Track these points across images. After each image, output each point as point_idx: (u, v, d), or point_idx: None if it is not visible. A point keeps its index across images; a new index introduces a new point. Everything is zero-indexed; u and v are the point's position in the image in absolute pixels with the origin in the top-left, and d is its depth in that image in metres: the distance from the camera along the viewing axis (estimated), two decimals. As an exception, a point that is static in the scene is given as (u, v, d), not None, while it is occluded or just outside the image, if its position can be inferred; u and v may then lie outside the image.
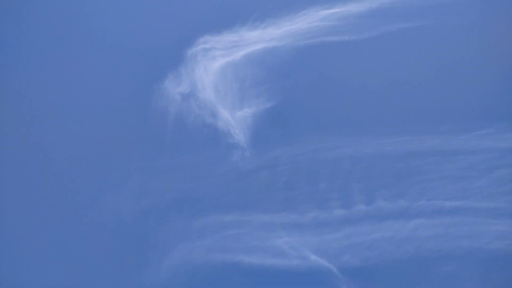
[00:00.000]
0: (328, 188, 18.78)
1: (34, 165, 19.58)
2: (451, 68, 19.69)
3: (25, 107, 20.17)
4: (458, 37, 19.86)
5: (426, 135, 18.47)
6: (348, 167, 18.86)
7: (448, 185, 18.06)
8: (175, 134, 19.86)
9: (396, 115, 19.15)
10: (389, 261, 18.65)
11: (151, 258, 19.54)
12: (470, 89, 19.56)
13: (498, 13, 19.50)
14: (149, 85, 19.00)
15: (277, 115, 19.49)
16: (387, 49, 19.59)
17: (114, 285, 19.14)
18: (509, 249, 17.38)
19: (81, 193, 19.00)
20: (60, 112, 19.68)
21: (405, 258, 18.56)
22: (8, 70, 20.53)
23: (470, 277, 18.08)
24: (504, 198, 17.71)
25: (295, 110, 19.62)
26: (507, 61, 19.16)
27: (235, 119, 19.37)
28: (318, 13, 20.48)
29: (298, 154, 18.68)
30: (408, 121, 18.86)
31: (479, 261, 17.83)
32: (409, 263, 18.58)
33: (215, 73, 19.82)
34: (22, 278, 18.54)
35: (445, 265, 18.30)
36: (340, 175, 18.96)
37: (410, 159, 18.52)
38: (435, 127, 18.55)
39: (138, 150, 19.61)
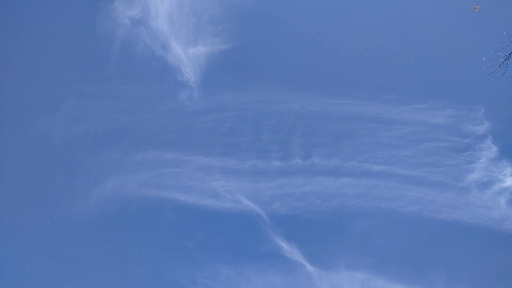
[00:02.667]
0: (270, 139, 15.90)
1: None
2: (403, 43, 17.27)
3: None
4: (415, 15, 17.28)
5: (368, 102, 16.32)
6: (292, 122, 16.15)
7: (378, 150, 16.32)
8: (120, 61, 15.49)
9: (345, 78, 16.70)
10: (314, 212, 16.62)
11: (81, 186, 15.50)
12: (416, 65, 17.38)
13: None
14: (96, 4, 14.08)
15: (231, 59, 15.95)
16: (349, 12, 16.52)
17: (39, 209, 14.99)
18: (421, 213, 16.21)
19: (9, 113, 14.24)
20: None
21: (329, 211, 16.67)
22: None
23: (382, 234, 16.61)
24: (425, 169, 16.35)
25: (250, 57, 16.19)
26: (454, 45, 16.99)
27: (187, 56, 15.44)
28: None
29: (246, 102, 15.50)
30: (355, 86, 16.50)
31: (393, 221, 16.34)
32: (331, 216, 16.72)
33: (172, 2, 15.29)
34: None
35: (363, 221, 16.76)
36: (283, 128, 16.14)
37: (350, 122, 16.38)
38: (377, 95, 16.42)
39: (76, 73, 15.05)
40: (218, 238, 17.33)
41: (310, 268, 17.52)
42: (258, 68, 17.13)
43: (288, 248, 17.33)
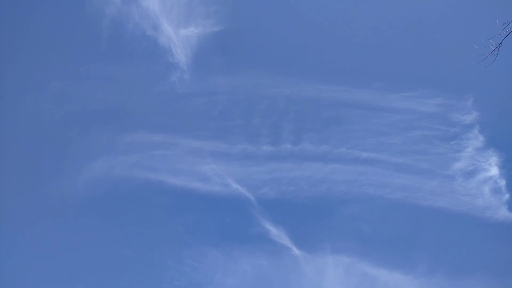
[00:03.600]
0: (261, 124, 15.82)
1: None
2: (394, 31, 17.22)
3: None
4: (408, 2, 17.21)
5: (359, 89, 16.28)
6: (283, 106, 16.04)
7: (368, 137, 16.38)
8: (110, 40, 15.13)
9: (337, 65, 16.66)
10: (302, 197, 16.70)
11: (69, 168, 15.25)
12: (407, 54, 17.36)
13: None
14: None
15: (223, 41, 15.63)
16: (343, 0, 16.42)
17: (26, 190, 14.76)
18: (406, 200, 16.44)
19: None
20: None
21: (317, 196, 16.77)
22: None
23: (369, 220, 16.82)
24: (412, 156, 16.49)
25: (242, 40, 15.90)
26: (445, 33, 16.93)
27: (178, 36, 15.08)
28: None
29: (238, 86, 15.26)
30: (346, 73, 16.43)
31: (379, 207, 16.50)
32: (319, 201, 16.83)
33: (163, -19, 14.81)
34: None
35: (350, 207, 16.91)
36: (274, 113, 16.03)
37: (340, 109, 16.35)
38: (368, 82, 16.37)
39: (64, 51, 14.61)
40: (206, 221, 17.32)
41: (296, 251, 17.67)
42: (251, 52, 16.82)
43: (275, 232, 17.42)
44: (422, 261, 17.28)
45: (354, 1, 16.78)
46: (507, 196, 17.17)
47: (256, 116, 16.89)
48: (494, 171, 17.54)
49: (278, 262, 17.47)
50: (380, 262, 17.48)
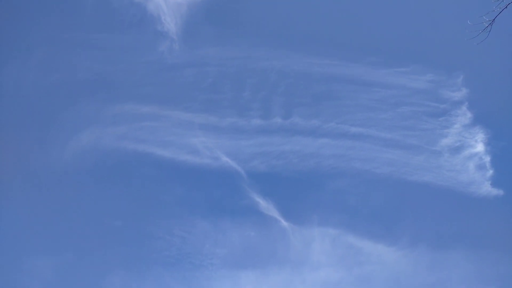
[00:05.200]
0: (251, 97, 15.47)
1: None
2: (388, 6, 16.71)
3: None
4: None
5: (351, 63, 15.98)
6: (274, 80, 15.68)
7: (358, 112, 16.26)
8: (96, 7, 14.34)
9: (330, 38, 16.15)
10: (291, 171, 16.65)
11: (56, 139, 14.80)
12: (400, 28, 16.98)
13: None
14: None
15: (214, 11, 15.02)
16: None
17: (12, 161, 14.39)
18: (393, 174, 16.56)
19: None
20: None
21: (306, 170, 16.75)
22: None
23: (355, 194, 16.93)
24: (401, 132, 16.45)
25: (234, 10, 15.29)
26: (439, 9, 16.55)
27: (168, 4, 14.46)
28: None
29: (229, 58, 14.80)
30: (339, 46, 16.04)
31: (366, 181, 16.57)
32: (308, 175, 16.82)
33: None
34: None
35: (338, 181, 16.97)
36: (265, 86, 15.67)
37: (332, 83, 16.10)
38: (361, 57, 16.07)
39: (49, 18, 13.89)
40: (196, 193, 17.21)
41: (284, 223, 17.76)
42: (242, 23, 16.21)
43: (264, 204, 17.42)
44: (405, 233, 17.58)
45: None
46: (491, 172, 17.40)
47: (247, 89, 16.46)
48: (479, 147, 17.68)
49: (266, 233, 17.60)
50: (365, 234, 17.75)
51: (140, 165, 16.80)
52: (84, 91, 15.36)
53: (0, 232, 14.93)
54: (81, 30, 14.23)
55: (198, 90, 16.01)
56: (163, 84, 15.41)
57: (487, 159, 17.54)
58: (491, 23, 7.87)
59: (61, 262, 15.82)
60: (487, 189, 17.27)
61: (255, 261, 17.35)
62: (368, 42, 17.15)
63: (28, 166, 14.93)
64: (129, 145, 16.39)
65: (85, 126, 15.63)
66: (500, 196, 17.02)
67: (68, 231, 15.76)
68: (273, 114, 16.83)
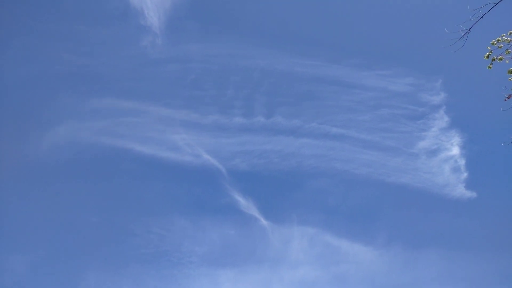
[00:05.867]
0: (234, 95, 15.38)
1: None
2: (372, 10, 16.85)
3: None
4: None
5: (334, 64, 16.06)
6: (257, 79, 15.62)
7: (338, 113, 16.38)
8: (77, -2, 13.79)
9: (314, 39, 16.27)
10: (272, 170, 16.62)
11: (32, 131, 14.30)
12: (382, 32, 17.17)
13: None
14: None
15: (199, 7, 14.86)
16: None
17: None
18: (371, 175, 16.75)
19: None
20: None
21: (287, 169, 16.73)
22: None
23: (334, 194, 17.00)
24: (380, 134, 16.70)
25: (220, 7, 15.11)
26: (421, 15, 16.84)
27: (151, -2, 14.07)
28: None
29: (212, 55, 14.61)
30: (323, 47, 16.11)
31: (345, 181, 16.69)
32: (288, 175, 16.82)
33: None
34: None
35: (318, 180, 17.03)
36: (248, 85, 15.60)
37: (314, 84, 16.16)
38: (343, 58, 16.21)
39: (29, 7, 13.35)
40: (175, 190, 16.97)
41: (264, 221, 17.75)
42: (227, 20, 16.07)
43: (244, 203, 17.37)
44: (381, 233, 17.85)
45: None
46: (465, 174, 17.84)
47: (230, 87, 16.33)
48: (455, 150, 18.08)
49: (245, 232, 17.54)
50: (343, 233, 17.93)
51: (119, 161, 16.43)
52: (63, 83, 14.85)
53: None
54: (62, 21, 13.75)
55: (181, 86, 15.75)
56: (144, 79, 15.06)
57: (462, 162, 18.00)
58: (467, 31, 8.12)
59: (35, 259, 15.33)
60: (461, 191, 17.72)
61: (234, 259, 17.29)
62: (351, 44, 17.31)
63: (3, 158, 14.36)
64: (108, 140, 15.99)
65: (63, 120, 15.13)
66: (473, 198, 17.51)
67: (43, 227, 15.30)
68: (256, 113, 16.77)
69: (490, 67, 8.11)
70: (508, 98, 8.06)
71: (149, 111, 15.76)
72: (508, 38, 8.01)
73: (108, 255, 16.36)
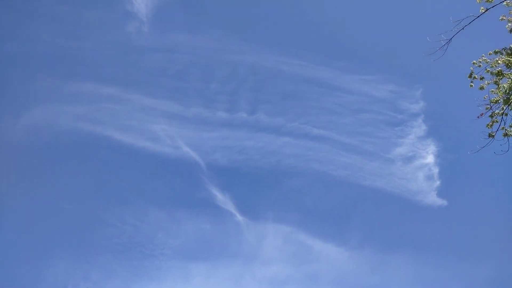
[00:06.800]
0: (219, 89, 15.23)
1: None
2: (361, 14, 16.98)
3: None
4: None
5: (321, 66, 16.16)
6: (243, 74, 15.53)
7: (321, 115, 16.51)
8: (62, -23, 13.27)
9: (302, 39, 16.41)
10: (251, 167, 16.64)
11: (6, 112, 13.80)
12: (369, 38, 17.31)
13: None
14: None
15: (188, -4, 14.35)
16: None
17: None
18: (348, 178, 17.01)
19: None
20: None
21: (266, 167, 16.81)
22: None
23: (311, 194, 17.17)
24: (359, 138, 16.95)
25: (210, -1, 14.68)
26: (406, 24, 17.10)
27: (139, -16, 13.71)
28: None
29: (199, 47, 14.40)
30: (310, 48, 16.19)
31: (322, 182, 16.87)
32: (267, 172, 16.89)
33: None
34: None
35: (295, 180, 17.15)
36: (233, 80, 15.49)
37: (300, 84, 16.23)
38: (329, 61, 16.32)
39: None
40: (152, 181, 16.69)
41: (239, 217, 17.70)
42: (216, 12, 15.83)
43: (221, 198, 17.25)
44: (354, 235, 18.11)
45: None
46: (438, 183, 18.28)
47: (215, 81, 16.12)
48: (430, 159, 18.49)
49: (220, 226, 17.44)
50: (317, 233, 18.09)
51: (96, 148, 16.00)
52: (42, 64, 14.32)
53: None
54: (41, 1, 13.19)
55: (165, 77, 15.42)
56: (128, 66, 14.68)
57: (436, 170, 18.43)
58: (448, 42, 8.27)
59: (2, 242, 14.76)
60: (432, 198, 18.16)
61: (207, 254, 17.18)
62: (338, 47, 17.37)
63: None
64: (86, 126, 15.54)
65: (40, 102, 14.61)
66: (443, 206, 17.96)
67: (13, 211, 14.73)
68: (239, 109, 16.63)
69: (471, 86, 8.27)
70: (481, 116, 8.27)
71: (131, 99, 15.39)
72: (487, 59, 8.23)
73: (79, 243, 15.96)
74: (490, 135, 7.70)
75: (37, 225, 15.23)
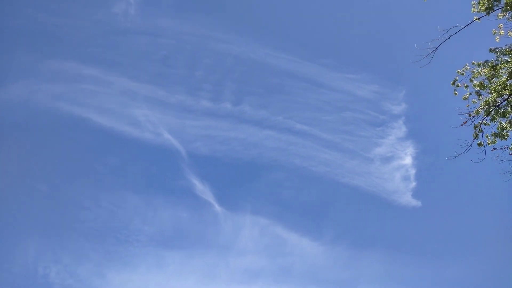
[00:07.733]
0: (204, 78, 15.03)
1: None
2: (351, 13, 16.99)
3: None
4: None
5: (307, 61, 16.17)
6: (229, 64, 15.39)
7: (305, 110, 16.58)
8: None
9: (291, 33, 16.26)
10: (233, 158, 16.55)
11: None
12: (358, 37, 17.31)
13: None
14: None
15: (178, -19, 14.01)
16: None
17: None
18: (327, 174, 17.13)
19: None
20: None
21: (247, 159, 16.78)
22: None
23: (290, 188, 17.28)
24: (341, 135, 17.10)
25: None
26: (396, 29, 17.27)
27: (128, -36, 13.27)
28: None
29: (187, 33, 14.14)
30: (297, 43, 16.18)
31: (302, 177, 16.96)
32: (248, 164, 16.89)
33: None
34: None
35: (276, 173, 17.22)
36: (219, 69, 15.31)
37: (285, 78, 16.20)
38: (317, 57, 16.40)
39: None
40: (131, 167, 16.39)
41: (217, 207, 17.60)
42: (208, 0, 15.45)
43: (200, 187, 17.10)
44: (329, 231, 18.29)
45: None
46: (413, 184, 18.60)
47: (200, 69, 15.88)
48: (407, 160, 18.78)
49: (198, 216, 17.31)
50: (293, 227, 18.18)
51: (74, 129, 15.58)
52: (22, 40, 13.77)
53: None
54: (28, -27, 12.69)
55: (149, 61, 15.08)
56: (111, 48, 14.27)
57: (412, 172, 18.75)
58: (434, 50, 8.40)
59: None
60: (407, 199, 18.49)
61: (182, 242, 17.04)
62: (325, 44, 17.33)
63: None
64: (65, 106, 15.09)
65: (18, 79, 14.11)
66: (418, 207, 18.31)
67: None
68: (223, 99, 16.45)
69: (456, 94, 8.40)
70: (464, 123, 8.42)
71: (113, 81, 14.99)
72: (473, 69, 8.36)
73: (52, 225, 15.56)
74: (479, 145, 7.84)
75: (8, 205, 14.75)
